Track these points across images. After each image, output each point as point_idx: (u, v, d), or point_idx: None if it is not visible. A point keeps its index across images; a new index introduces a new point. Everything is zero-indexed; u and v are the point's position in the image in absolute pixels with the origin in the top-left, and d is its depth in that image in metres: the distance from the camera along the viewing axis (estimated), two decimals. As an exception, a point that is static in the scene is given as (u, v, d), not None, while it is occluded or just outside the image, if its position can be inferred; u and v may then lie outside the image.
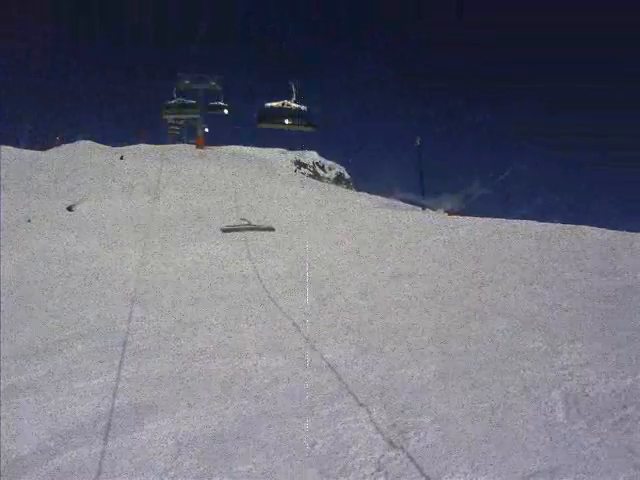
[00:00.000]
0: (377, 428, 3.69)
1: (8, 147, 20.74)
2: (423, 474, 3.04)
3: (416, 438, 3.50)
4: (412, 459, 3.21)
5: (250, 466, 3.28)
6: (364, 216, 16.38)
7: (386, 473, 3.10)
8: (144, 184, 17.87)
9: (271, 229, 13.81)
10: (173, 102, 28.72)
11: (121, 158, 24.88)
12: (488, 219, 15.56)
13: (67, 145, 37.04)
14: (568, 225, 13.68)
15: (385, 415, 3.90)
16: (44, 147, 30.24)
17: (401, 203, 27.41)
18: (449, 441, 3.43)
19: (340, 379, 4.70)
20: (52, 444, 3.69)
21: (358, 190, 45.10)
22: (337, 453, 3.38)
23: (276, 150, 77.85)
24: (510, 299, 7.65)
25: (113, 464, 3.39)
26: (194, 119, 31.55)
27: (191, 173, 20.62)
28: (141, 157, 25.75)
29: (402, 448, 3.36)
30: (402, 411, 3.95)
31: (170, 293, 8.71)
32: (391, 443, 3.45)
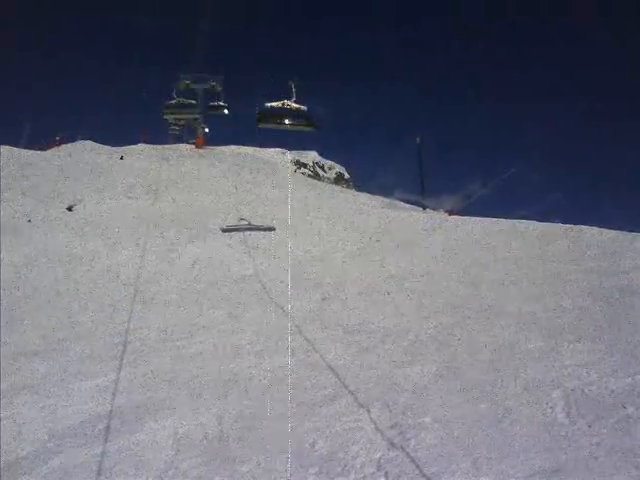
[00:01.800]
0: (377, 428, 3.69)
1: (8, 147, 20.70)
2: (423, 474, 3.03)
3: (416, 438, 3.49)
4: (412, 459, 3.21)
5: (250, 466, 3.28)
6: (364, 216, 16.37)
7: (386, 473, 3.09)
8: (144, 184, 17.87)
9: (271, 229, 13.81)
10: (173, 102, 28.77)
11: (121, 158, 24.82)
12: (488, 219, 15.56)
13: (67, 145, 36.96)
14: (568, 225, 13.69)
15: (385, 415, 3.90)
16: (44, 147, 30.13)
17: (401, 203, 27.37)
18: (449, 441, 3.43)
19: (340, 379, 4.70)
20: (52, 444, 3.69)
21: (358, 190, 45.01)
22: (337, 453, 3.38)
23: (276, 150, 77.72)
24: (510, 299, 7.65)
25: (113, 464, 3.39)
26: (194, 119, 31.56)
27: (191, 173, 20.61)
28: (141, 157, 25.73)
29: (402, 448, 3.36)
30: (402, 411, 3.95)
31: (170, 293, 8.71)
32: (391, 443, 3.45)
